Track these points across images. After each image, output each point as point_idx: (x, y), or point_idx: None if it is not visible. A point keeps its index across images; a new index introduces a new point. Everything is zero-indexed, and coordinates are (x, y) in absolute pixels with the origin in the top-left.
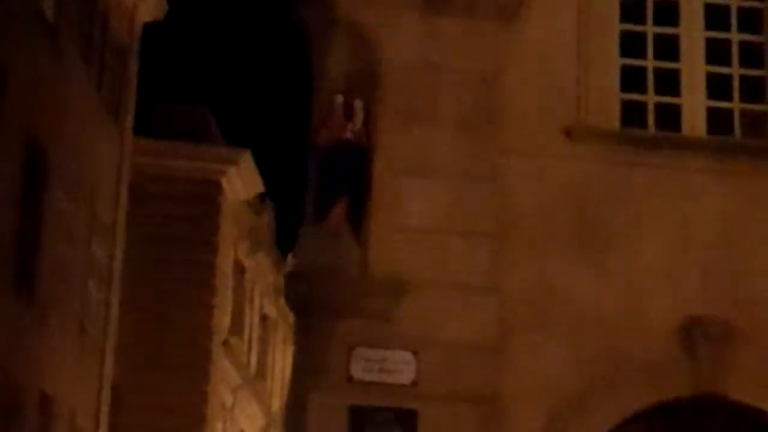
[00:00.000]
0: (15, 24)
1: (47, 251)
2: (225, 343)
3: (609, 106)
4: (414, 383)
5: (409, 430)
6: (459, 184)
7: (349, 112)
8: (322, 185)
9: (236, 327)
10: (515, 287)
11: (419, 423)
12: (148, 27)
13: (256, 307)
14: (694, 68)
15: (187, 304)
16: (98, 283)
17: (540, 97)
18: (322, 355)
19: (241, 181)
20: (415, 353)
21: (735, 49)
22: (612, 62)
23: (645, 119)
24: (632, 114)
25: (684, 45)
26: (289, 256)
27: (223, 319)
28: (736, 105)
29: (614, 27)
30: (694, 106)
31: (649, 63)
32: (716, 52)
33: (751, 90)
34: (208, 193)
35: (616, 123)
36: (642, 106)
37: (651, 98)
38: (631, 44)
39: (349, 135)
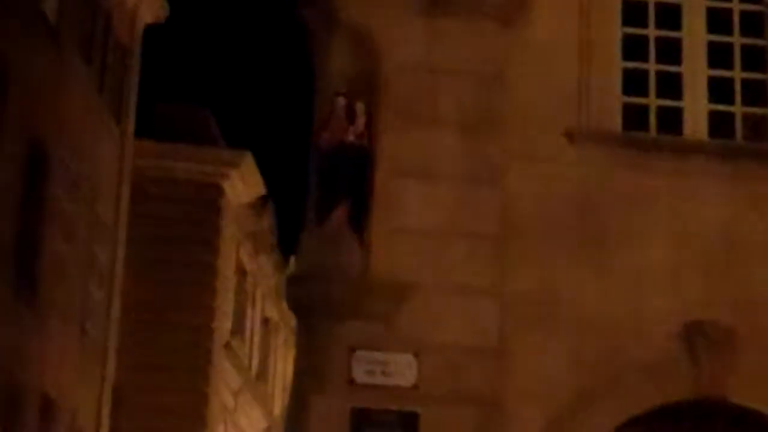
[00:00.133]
0: (16, 25)
1: (48, 252)
2: (226, 345)
3: (611, 108)
4: (415, 386)
5: None
6: (460, 187)
7: (350, 114)
8: (323, 187)
9: (238, 329)
10: (516, 290)
11: (420, 425)
12: (150, 28)
13: (257, 309)
14: (696, 71)
15: (189, 306)
16: (99, 284)
17: (542, 99)
18: (324, 357)
19: (242, 184)
20: (416, 355)
21: (737, 53)
22: (614, 65)
23: (647, 122)
24: (634, 117)
25: (686, 48)
26: (291, 259)
27: (224, 321)
28: (737, 108)
29: (616, 30)
30: (696, 110)
31: (651, 66)
32: (718, 56)
33: (753, 93)
34: (210, 195)
35: (618, 126)
36: (644, 109)
37: (653, 101)
38: (633, 47)
39: (350, 137)
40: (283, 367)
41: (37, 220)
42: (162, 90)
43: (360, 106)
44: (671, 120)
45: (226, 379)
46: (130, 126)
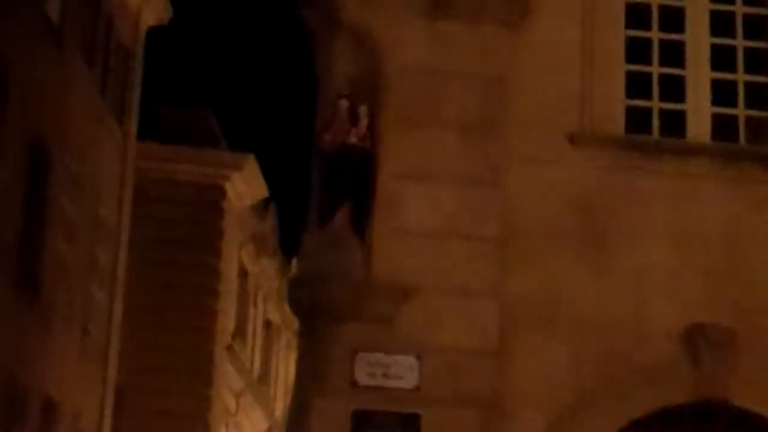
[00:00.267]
0: (19, 26)
1: (50, 253)
2: (228, 347)
3: (614, 111)
4: (417, 387)
5: None
6: (463, 189)
7: (353, 117)
8: (325, 189)
9: (240, 331)
10: (517, 291)
11: (422, 427)
12: (152, 30)
13: (259, 311)
14: (699, 74)
15: (191, 308)
16: (101, 285)
17: (544, 102)
18: (326, 359)
19: (244, 186)
20: (418, 357)
21: (740, 56)
22: (617, 68)
23: (650, 125)
24: (637, 120)
25: (689, 51)
26: (293, 261)
27: (226, 324)
28: (741, 111)
29: (619, 33)
30: (699, 112)
31: (654, 69)
32: (721, 59)
33: (756, 96)
34: (212, 197)
35: (620, 129)
36: (647, 112)
37: (656, 104)
38: (637, 50)
39: (353, 139)
40: (285, 369)
41: (38, 221)
42: (164, 92)
43: (363, 109)
44: (674, 123)
45: (228, 381)
46: (133, 128)
